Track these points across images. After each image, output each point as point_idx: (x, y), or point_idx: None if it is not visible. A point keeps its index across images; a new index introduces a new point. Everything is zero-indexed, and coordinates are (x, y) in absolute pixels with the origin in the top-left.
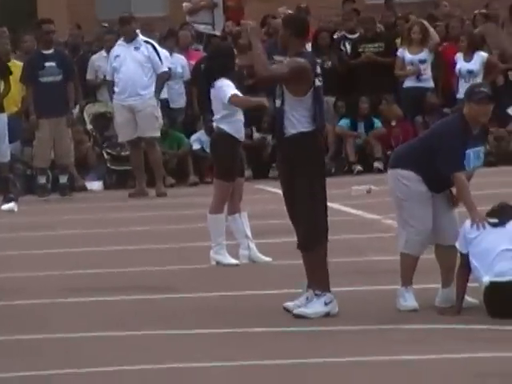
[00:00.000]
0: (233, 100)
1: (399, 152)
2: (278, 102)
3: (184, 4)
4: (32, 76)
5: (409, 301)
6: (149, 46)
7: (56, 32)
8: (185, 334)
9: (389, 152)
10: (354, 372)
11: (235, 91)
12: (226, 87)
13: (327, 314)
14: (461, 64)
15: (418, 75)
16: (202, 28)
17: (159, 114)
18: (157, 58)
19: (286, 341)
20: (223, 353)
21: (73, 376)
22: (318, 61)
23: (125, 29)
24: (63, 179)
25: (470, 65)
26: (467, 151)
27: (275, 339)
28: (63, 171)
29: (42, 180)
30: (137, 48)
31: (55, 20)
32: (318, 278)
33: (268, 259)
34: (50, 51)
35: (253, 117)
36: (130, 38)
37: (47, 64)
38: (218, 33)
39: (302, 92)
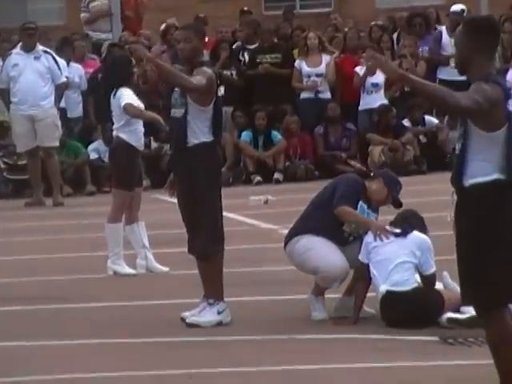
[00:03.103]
0: (127, 108)
1: (290, 230)
2: (178, 112)
3: (82, 15)
4: None
5: (318, 311)
6: (49, 57)
7: None
8: (79, 344)
9: (287, 163)
10: (246, 382)
11: (131, 100)
12: (125, 96)
13: (220, 323)
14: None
15: (316, 91)
16: (102, 36)
17: (59, 123)
18: (57, 69)
19: (180, 351)
20: (118, 363)
21: None
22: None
23: (30, 40)
24: None
25: (375, 78)
26: (360, 203)
27: (171, 349)
28: None
29: None
30: (37, 58)
31: None
32: (213, 287)
33: (165, 269)
34: None
35: (151, 126)
36: (30, 48)
37: None
38: (111, 41)
39: (206, 102)
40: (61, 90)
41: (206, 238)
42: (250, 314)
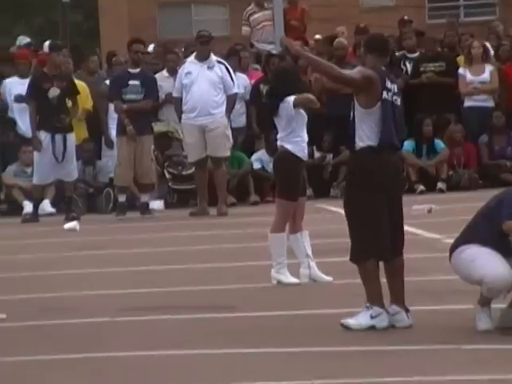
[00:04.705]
0: (297, 101)
1: (456, 240)
2: (351, 115)
3: (243, 28)
4: (116, 93)
5: (483, 321)
6: (222, 67)
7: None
8: (245, 353)
9: (451, 172)
10: None
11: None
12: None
13: (372, 327)
14: None
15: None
16: (265, 47)
17: (230, 133)
18: (229, 79)
19: (344, 360)
20: (283, 371)
21: None
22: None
23: (203, 47)
24: (144, 198)
25: None
26: None
27: (334, 358)
28: (144, 190)
29: (122, 199)
30: (210, 67)
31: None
32: (367, 291)
33: (329, 278)
34: (136, 70)
35: (313, 136)
36: (204, 57)
37: (131, 82)
38: (276, 51)
39: (369, 103)
40: (232, 100)
41: (356, 242)
42: (415, 323)
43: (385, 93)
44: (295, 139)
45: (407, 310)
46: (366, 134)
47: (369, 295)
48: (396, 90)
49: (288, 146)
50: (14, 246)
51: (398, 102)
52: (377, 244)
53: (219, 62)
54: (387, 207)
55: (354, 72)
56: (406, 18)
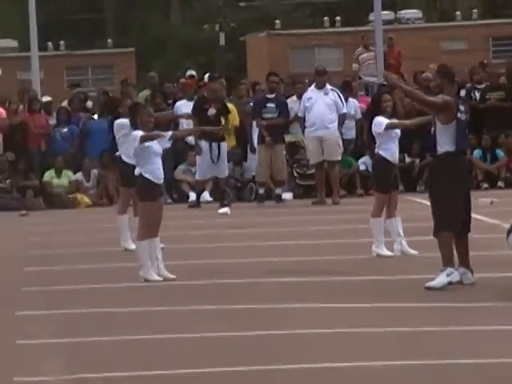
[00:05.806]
0: (388, 126)
1: (510, 225)
2: (432, 129)
3: (353, 65)
4: (257, 113)
5: None
6: (335, 93)
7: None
8: (347, 307)
9: (508, 174)
10: (475, 338)
11: (386, 121)
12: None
13: (450, 283)
14: None
15: None
16: (370, 79)
17: (341, 142)
18: (340, 102)
19: (424, 313)
20: (376, 321)
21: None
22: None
23: (320, 78)
24: (278, 191)
25: None
26: None
27: (415, 312)
28: (278, 185)
29: (262, 191)
30: (326, 93)
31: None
32: (443, 257)
33: (415, 252)
34: (272, 95)
35: (405, 145)
36: (321, 86)
37: (268, 105)
38: (378, 82)
39: (446, 121)
40: (342, 118)
41: (436, 218)
42: (480, 286)
43: (459, 113)
44: (386, 146)
45: (471, 271)
46: (445, 142)
47: (444, 259)
48: (463, 109)
49: (381, 152)
50: (183, 225)
51: (466, 118)
52: (453, 220)
53: (333, 89)
54: (462, 195)
55: (437, 98)
56: (485, 61)
